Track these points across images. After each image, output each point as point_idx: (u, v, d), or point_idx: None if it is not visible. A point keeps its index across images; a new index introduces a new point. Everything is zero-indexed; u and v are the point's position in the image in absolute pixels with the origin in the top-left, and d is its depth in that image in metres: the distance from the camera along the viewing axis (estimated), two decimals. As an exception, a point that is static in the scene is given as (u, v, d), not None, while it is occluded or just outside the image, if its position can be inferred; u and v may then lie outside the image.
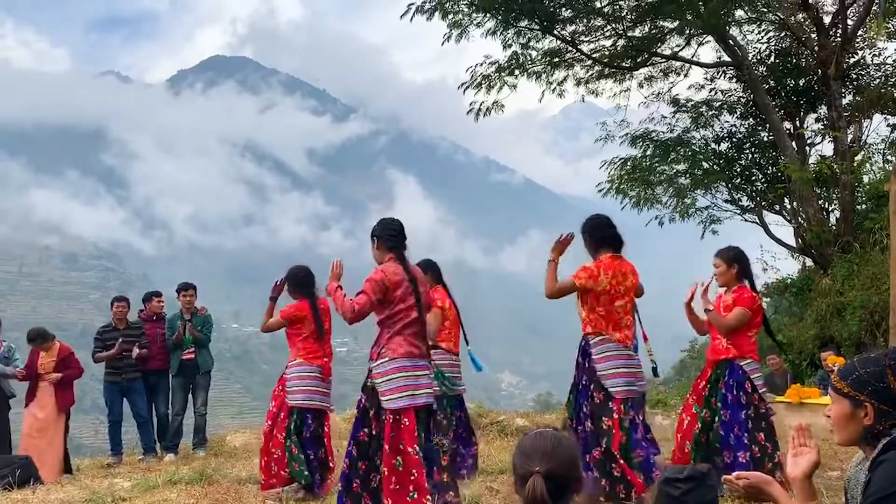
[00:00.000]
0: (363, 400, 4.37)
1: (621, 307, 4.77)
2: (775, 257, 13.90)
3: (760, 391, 5.04)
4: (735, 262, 5.17)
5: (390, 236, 4.51)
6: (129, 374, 8.13)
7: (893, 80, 13.79)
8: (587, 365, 4.76)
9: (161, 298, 8.71)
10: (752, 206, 14.71)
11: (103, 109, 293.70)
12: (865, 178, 13.44)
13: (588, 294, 4.75)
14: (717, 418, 5.07)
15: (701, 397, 5.21)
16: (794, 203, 14.03)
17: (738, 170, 14.78)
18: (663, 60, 15.00)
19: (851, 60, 13.79)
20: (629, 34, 14.11)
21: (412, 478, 4.09)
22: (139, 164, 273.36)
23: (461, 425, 5.97)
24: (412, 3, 13.35)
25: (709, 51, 17.13)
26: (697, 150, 14.72)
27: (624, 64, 14.93)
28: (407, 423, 4.19)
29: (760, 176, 14.79)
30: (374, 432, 4.27)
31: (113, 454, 8.14)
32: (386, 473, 4.13)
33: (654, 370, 6.09)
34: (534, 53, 14.49)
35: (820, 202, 13.47)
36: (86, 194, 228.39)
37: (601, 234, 4.88)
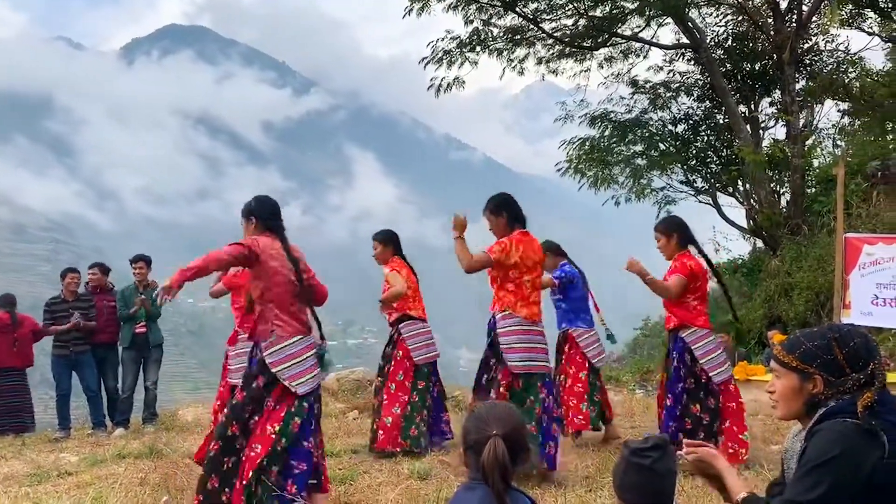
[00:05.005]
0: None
1: (529, 282, 4.84)
2: (727, 238, 14.26)
3: (704, 360, 5.01)
4: (673, 232, 5.19)
5: (270, 216, 4.11)
6: (77, 347, 7.97)
7: (844, 66, 14.10)
8: (493, 341, 4.83)
9: (93, 271, 8.36)
10: (707, 187, 14.95)
11: (52, 76, 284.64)
12: (815, 163, 13.77)
13: (500, 270, 4.80)
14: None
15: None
16: (747, 185, 14.30)
17: (694, 152, 14.99)
18: (623, 41, 15.08)
19: (805, 46, 14.04)
20: (590, 14, 14.15)
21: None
22: (89, 135, 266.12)
23: (435, 391, 6.03)
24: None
25: (668, 33, 17.36)
26: (654, 131, 14.88)
27: (584, 43, 14.97)
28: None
29: (715, 158, 15.03)
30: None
31: (60, 428, 7.96)
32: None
33: (611, 337, 6.31)
34: (495, 30, 14.45)
35: (772, 185, 13.76)
36: (35, 164, 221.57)
37: (516, 211, 4.94)
